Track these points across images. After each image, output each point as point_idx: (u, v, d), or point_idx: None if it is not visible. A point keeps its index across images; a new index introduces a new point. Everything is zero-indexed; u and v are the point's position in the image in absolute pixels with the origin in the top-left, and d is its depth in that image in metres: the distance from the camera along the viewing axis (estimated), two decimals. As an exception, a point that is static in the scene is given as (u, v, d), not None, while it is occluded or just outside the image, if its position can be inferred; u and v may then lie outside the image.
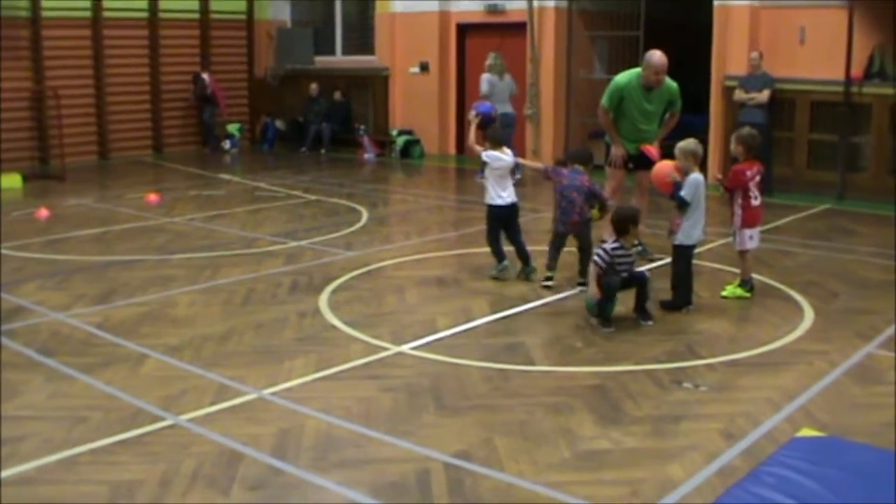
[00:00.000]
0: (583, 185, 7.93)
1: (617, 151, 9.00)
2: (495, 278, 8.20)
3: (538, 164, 8.49)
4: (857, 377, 5.90)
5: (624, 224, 7.06)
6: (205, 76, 17.50)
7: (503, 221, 8.35)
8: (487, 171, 8.39)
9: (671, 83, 8.93)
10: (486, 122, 8.77)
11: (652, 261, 8.63)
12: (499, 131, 8.74)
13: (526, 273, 8.24)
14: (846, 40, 12.06)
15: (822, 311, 7.28)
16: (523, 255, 8.29)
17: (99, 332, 6.78)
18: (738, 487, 4.20)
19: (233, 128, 18.17)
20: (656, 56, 8.78)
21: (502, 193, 8.26)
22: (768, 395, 5.57)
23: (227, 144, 17.95)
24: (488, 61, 14.04)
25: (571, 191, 7.94)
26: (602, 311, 6.90)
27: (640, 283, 7.06)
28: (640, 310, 7.04)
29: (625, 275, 6.99)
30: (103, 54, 16.48)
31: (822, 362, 6.14)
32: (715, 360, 6.21)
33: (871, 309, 7.35)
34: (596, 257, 7.05)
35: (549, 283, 7.93)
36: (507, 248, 8.30)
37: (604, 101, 9.02)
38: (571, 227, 8.00)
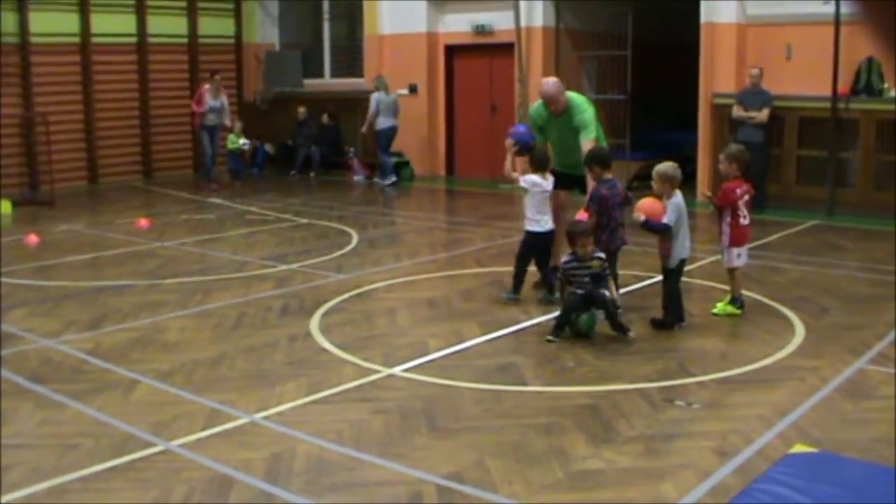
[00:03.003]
0: (622, 196, 7.59)
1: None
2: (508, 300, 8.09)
3: (582, 216, 7.46)
4: (849, 393, 5.91)
5: (572, 236, 7.14)
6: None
7: (539, 249, 8.04)
8: (527, 197, 7.97)
9: (578, 105, 8.14)
10: (523, 149, 8.30)
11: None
12: (541, 155, 8.14)
13: (549, 299, 7.96)
14: (832, 56, 12.14)
15: (812, 327, 7.30)
16: (549, 283, 8.01)
17: (89, 358, 6.75)
18: (731, 505, 4.20)
19: (235, 139, 17.26)
20: (543, 85, 8.37)
21: (542, 219, 7.94)
22: (760, 411, 5.57)
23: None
24: (375, 84, 16.10)
25: (618, 210, 7.55)
26: (558, 327, 7.04)
27: (600, 305, 7.02)
28: (616, 327, 7.03)
29: (581, 291, 7.02)
30: (92, 80, 16.51)
31: (813, 378, 6.15)
32: (707, 377, 6.21)
33: (861, 324, 7.37)
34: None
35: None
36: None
37: None
38: (623, 242, 7.67)
